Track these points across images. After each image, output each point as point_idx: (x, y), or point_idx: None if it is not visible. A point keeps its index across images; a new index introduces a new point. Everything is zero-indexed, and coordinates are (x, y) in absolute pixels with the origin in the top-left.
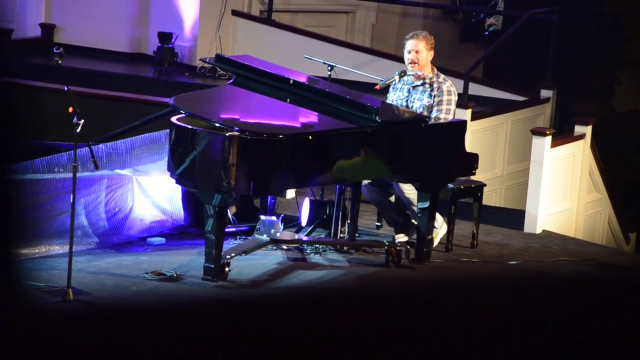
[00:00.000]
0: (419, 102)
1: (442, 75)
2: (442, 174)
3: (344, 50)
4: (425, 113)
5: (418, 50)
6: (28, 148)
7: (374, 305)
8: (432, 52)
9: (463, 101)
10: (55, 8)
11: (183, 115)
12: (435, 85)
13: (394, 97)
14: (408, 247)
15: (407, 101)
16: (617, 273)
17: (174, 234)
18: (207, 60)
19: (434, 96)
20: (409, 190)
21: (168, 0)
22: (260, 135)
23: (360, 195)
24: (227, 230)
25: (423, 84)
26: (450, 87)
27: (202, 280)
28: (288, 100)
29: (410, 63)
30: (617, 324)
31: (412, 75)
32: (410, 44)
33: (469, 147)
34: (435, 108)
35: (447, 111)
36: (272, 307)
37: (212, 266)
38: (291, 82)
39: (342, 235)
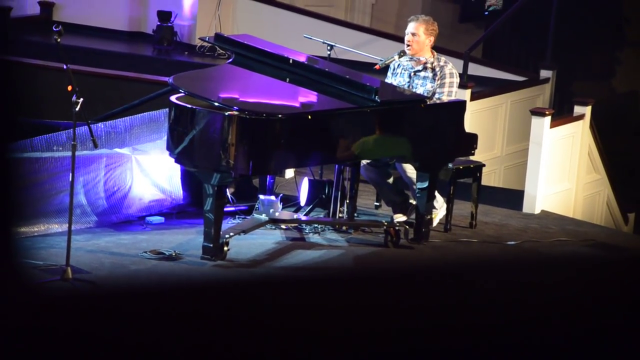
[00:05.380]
0: (422, 88)
1: (443, 59)
2: (442, 154)
3: (343, 29)
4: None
5: (415, 33)
6: (27, 126)
7: (372, 285)
8: (432, 38)
9: (462, 81)
10: None
11: (182, 94)
12: (437, 69)
13: (395, 83)
14: (407, 227)
15: (408, 87)
16: (616, 254)
17: (173, 213)
18: (207, 40)
19: (437, 79)
20: (411, 171)
21: None
22: (260, 115)
23: (359, 175)
24: (226, 209)
25: (424, 69)
26: (452, 70)
27: (200, 260)
28: (287, 79)
29: (407, 45)
30: (616, 305)
31: (414, 60)
32: (409, 26)
33: (468, 127)
34: (437, 91)
35: (449, 94)
36: (270, 287)
37: (211, 245)
38: (291, 61)
39: (340, 215)
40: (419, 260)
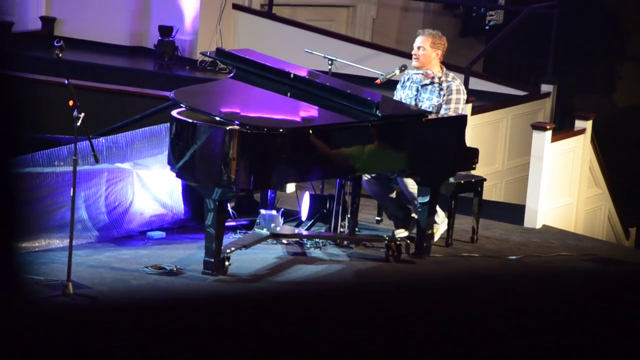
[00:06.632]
0: (428, 102)
1: (451, 74)
2: (443, 168)
3: (344, 44)
4: (434, 113)
5: (421, 46)
6: (28, 141)
7: (373, 300)
8: (438, 52)
9: None
10: (55, 1)
11: (183, 109)
12: (444, 84)
13: (403, 96)
14: (408, 241)
15: (415, 100)
16: (618, 268)
17: (174, 228)
18: (208, 54)
19: (443, 95)
20: (413, 185)
21: None
22: (261, 129)
23: (360, 189)
24: (227, 224)
25: (432, 83)
26: (460, 86)
27: (202, 275)
28: (289, 94)
29: (414, 58)
30: (617, 320)
31: (422, 74)
32: (416, 40)
33: (469, 141)
34: (443, 107)
35: (456, 110)
36: (272, 302)
37: (212, 260)
38: (292, 76)
39: (342, 229)
40: (420, 275)
